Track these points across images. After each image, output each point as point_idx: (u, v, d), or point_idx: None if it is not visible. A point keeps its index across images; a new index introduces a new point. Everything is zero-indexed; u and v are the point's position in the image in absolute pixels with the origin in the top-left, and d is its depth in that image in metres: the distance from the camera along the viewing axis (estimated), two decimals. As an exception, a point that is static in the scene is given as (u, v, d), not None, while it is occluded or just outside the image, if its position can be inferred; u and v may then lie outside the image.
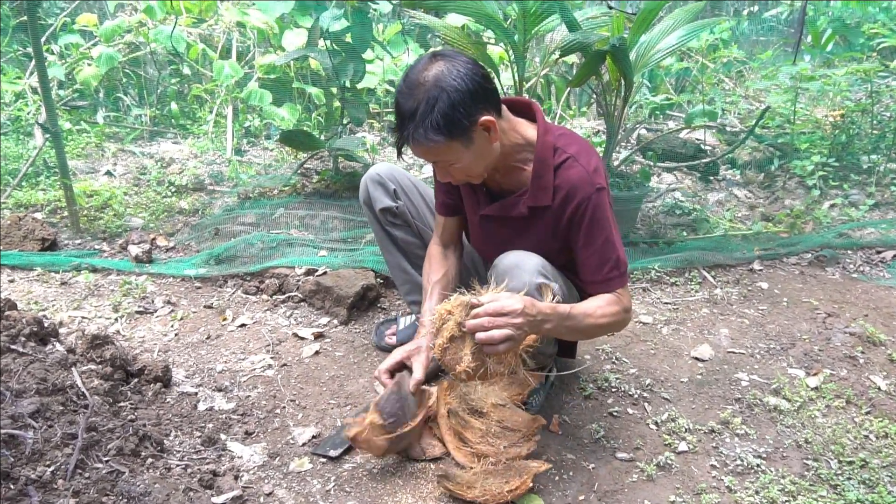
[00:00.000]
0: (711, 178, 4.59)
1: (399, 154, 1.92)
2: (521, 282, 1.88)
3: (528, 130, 1.99)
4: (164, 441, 1.98)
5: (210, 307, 2.96)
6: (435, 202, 2.32)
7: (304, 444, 2.12)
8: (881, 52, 5.40)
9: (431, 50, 1.96)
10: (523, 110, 2.04)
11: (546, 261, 1.96)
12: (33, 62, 4.00)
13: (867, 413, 2.34)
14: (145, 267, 3.22)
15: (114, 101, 5.61)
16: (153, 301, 2.97)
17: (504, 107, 1.94)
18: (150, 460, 1.84)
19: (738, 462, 2.09)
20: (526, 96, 4.11)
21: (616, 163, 3.83)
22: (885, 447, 2.16)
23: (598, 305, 1.93)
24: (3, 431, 1.65)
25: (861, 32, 5.58)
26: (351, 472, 2.01)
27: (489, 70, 2.02)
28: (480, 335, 1.71)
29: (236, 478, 1.94)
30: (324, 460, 2.06)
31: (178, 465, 1.90)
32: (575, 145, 1.97)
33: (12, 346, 2.06)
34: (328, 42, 3.65)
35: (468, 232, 2.32)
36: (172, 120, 5.49)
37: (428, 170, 4.52)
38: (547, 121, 2.03)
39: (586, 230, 1.94)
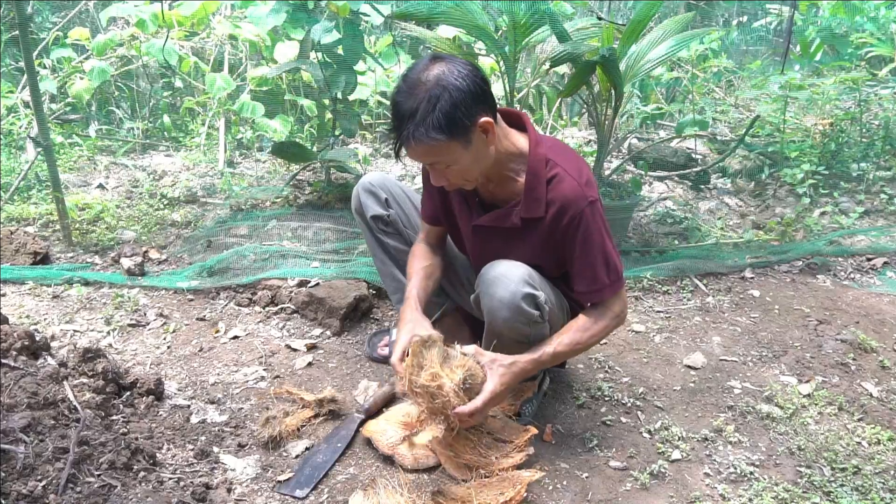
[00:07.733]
0: (702, 186, 4.62)
1: (397, 155, 1.90)
2: (507, 292, 1.89)
3: (520, 141, 2.01)
4: (157, 454, 1.97)
5: (202, 319, 2.95)
6: (421, 208, 2.34)
7: (296, 457, 2.12)
8: (869, 61, 5.46)
9: (430, 53, 1.96)
10: (514, 121, 2.05)
11: (534, 271, 1.97)
12: (25, 76, 4.00)
13: (859, 420, 2.35)
14: (137, 280, 3.21)
15: (106, 114, 5.60)
16: (145, 314, 2.96)
17: (498, 115, 1.96)
18: (142, 474, 1.83)
19: (732, 470, 2.10)
20: (517, 107, 4.13)
21: (607, 172, 3.85)
22: (877, 453, 2.17)
23: (582, 330, 2.01)
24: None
25: (849, 42, 5.64)
26: (344, 483, 2.01)
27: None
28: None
29: (229, 490, 1.94)
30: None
31: (170, 479, 1.89)
32: (565, 157, 1.99)
33: (3, 360, 2.05)
34: (320, 54, 3.66)
35: (461, 243, 2.33)
36: (165, 133, 5.48)
37: (420, 181, 4.52)
38: (538, 131, 2.04)
39: (581, 244, 1.95)
